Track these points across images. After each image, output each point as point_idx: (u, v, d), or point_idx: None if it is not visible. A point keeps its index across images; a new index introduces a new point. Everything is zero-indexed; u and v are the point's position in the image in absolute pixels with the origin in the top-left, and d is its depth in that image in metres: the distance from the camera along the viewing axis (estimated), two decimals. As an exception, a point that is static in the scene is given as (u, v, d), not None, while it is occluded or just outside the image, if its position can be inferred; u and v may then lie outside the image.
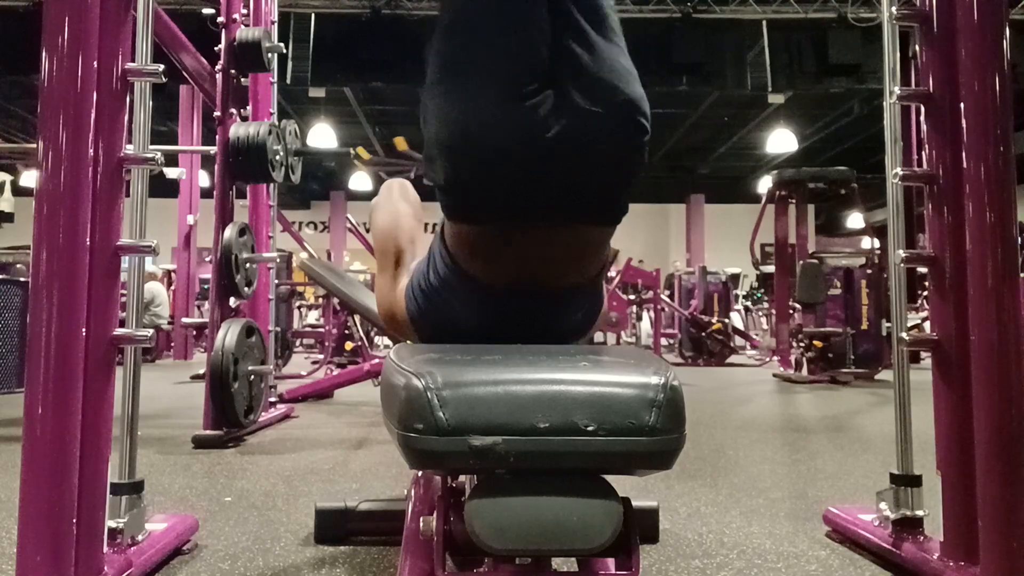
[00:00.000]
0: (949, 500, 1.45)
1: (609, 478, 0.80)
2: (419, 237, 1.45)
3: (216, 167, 3.25)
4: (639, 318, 11.50)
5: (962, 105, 1.41)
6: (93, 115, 1.27)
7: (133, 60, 1.38)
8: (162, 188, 8.91)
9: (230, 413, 2.96)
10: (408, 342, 1.60)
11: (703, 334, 8.70)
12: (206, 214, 4.87)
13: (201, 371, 3.90)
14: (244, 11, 3.45)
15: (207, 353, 3.14)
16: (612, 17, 1.13)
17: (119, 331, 1.32)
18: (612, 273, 8.17)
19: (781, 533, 1.83)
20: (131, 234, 1.43)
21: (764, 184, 9.59)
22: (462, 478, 1.11)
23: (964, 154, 1.40)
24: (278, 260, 5.51)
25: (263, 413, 3.43)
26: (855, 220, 15.88)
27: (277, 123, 3.49)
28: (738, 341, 9.46)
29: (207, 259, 8.29)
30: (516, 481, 0.77)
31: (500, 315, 1.13)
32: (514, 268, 1.10)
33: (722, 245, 15.65)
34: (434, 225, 1.21)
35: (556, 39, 1.07)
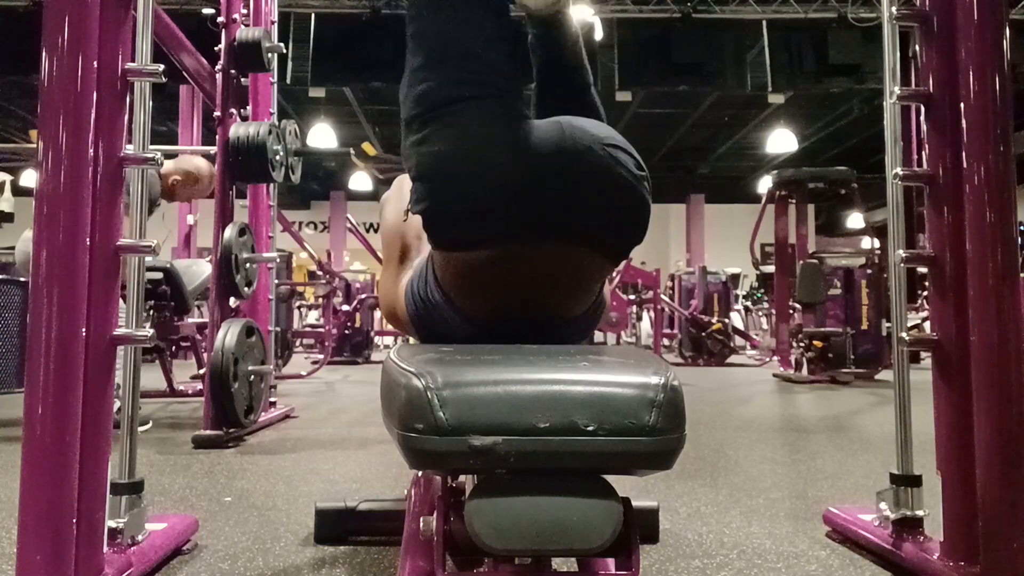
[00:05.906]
0: (949, 500, 1.45)
1: (609, 478, 0.80)
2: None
3: (216, 167, 3.25)
4: (639, 318, 11.50)
5: (962, 105, 1.41)
6: (93, 115, 1.27)
7: (133, 60, 1.38)
8: (162, 188, 8.87)
9: (230, 413, 2.96)
10: (409, 340, 1.60)
11: (703, 334, 8.70)
12: (206, 214, 4.86)
13: (201, 371, 3.89)
14: (244, 11, 3.45)
15: (207, 353, 3.14)
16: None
17: (119, 331, 1.32)
18: (612, 273, 8.15)
19: (781, 533, 1.83)
20: (131, 234, 1.43)
21: (764, 184, 9.58)
22: (462, 478, 1.11)
23: (964, 154, 1.40)
24: (278, 260, 5.50)
25: (263, 413, 3.43)
26: (855, 220, 15.85)
27: (277, 123, 3.49)
28: (738, 341, 9.45)
29: (207, 259, 8.29)
30: (516, 481, 0.77)
31: (494, 339, 1.10)
32: (506, 298, 1.07)
33: (722, 245, 15.64)
34: None
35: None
